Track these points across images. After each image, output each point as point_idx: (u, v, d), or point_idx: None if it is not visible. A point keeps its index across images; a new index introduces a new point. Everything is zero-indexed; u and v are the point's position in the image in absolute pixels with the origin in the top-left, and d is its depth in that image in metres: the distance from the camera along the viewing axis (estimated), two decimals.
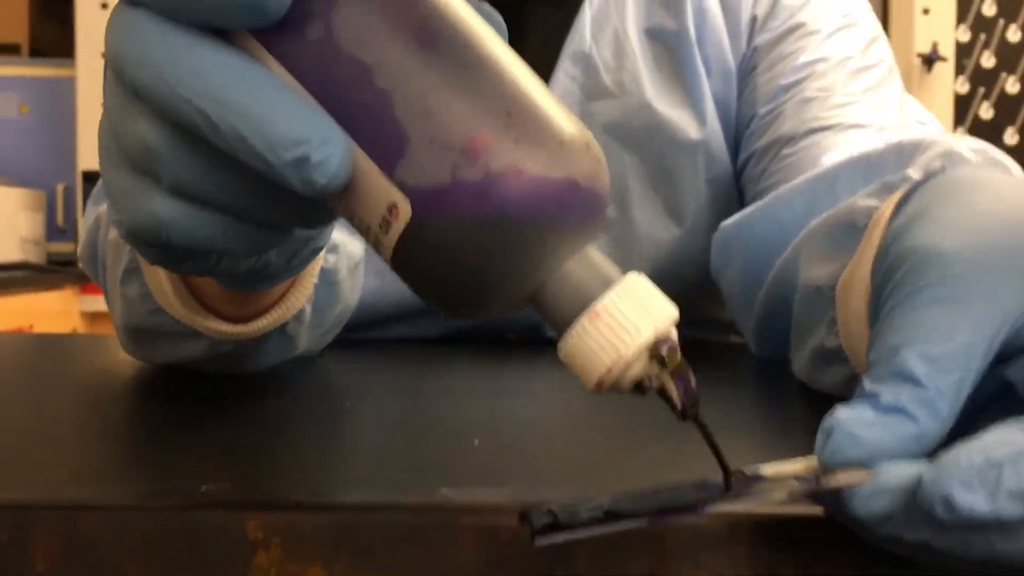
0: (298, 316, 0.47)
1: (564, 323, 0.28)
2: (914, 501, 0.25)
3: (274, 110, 0.27)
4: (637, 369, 0.28)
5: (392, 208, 0.27)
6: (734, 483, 0.28)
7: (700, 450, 0.29)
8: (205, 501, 0.31)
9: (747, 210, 0.61)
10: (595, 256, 0.29)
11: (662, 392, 0.28)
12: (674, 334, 0.28)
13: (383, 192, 0.27)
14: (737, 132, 0.73)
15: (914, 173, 0.42)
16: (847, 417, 0.27)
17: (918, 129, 0.65)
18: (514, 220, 0.27)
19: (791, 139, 0.67)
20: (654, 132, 0.71)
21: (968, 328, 0.28)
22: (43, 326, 1.98)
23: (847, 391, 0.44)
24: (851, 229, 0.43)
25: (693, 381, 0.28)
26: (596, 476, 0.35)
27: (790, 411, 0.48)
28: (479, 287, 0.28)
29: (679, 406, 0.28)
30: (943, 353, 0.27)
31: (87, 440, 0.39)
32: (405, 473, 0.35)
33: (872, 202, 0.43)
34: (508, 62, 0.29)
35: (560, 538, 0.26)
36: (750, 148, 0.71)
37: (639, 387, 0.28)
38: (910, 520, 0.25)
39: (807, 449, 0.43)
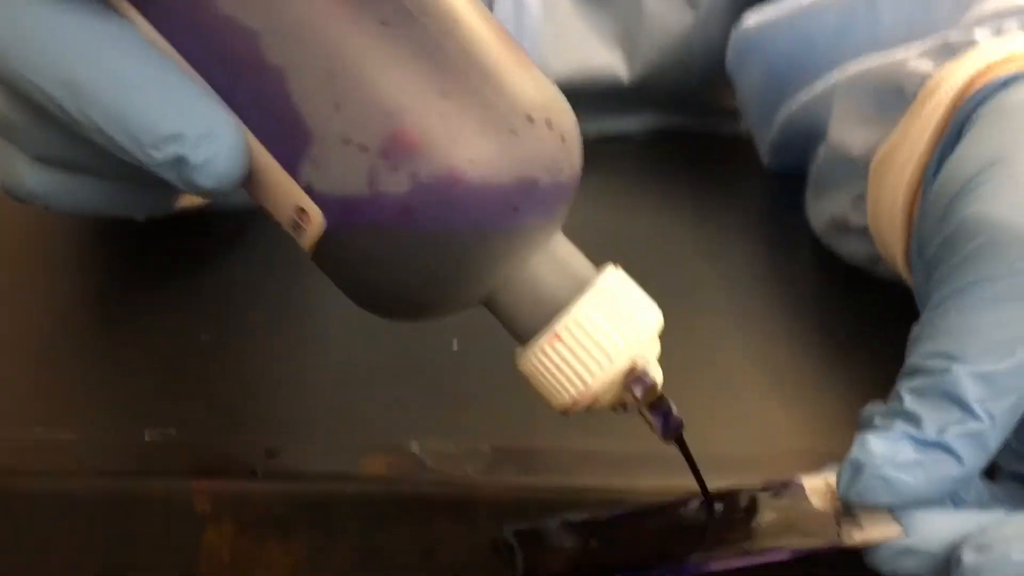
0: None
1: (525, 336, 0.23)
2: (945, 567, 0.22)
3: (139, 97, 0.21)
4: (608, 399, 0.23)
5: (301, 213, 0.22)
6: (734, 515, 0.24)
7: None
8: (146, 467, 0.28)
9: (770, 12, 0.53)
10: (563, 251, 0.23)
11: (641, 413, 0.24)
12: (652, 362, 0.23)
13: (289, 194, 0.22)
14: None
15: (980, 35, 0.36)
16: (881, 454, 0.23)
17: None
18: (452, 237, 0.21)
19: None
20: None
21: None
22: None
23: (868, 266, 0.40)
24: (897, 94, 0.37)
25: (674, 410, 0.24)
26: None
27: (800, 275, 0.43)
28: (413, 303, 0.23)
29: (660, 434, 0.24)
30: (1003, 370, 0.23)
31: (14, 357, 0.35)
32: (373, 411, 0.31)
33: (925, 65, 0.36)
34: (439, 7, 0.21)
35: None
36: None
37: (614, 409, 0.24)
38: None
39: (818, 326, 0.39)
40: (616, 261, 0.24)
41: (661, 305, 0.24)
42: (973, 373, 0.23)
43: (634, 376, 0.23)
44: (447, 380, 0.33)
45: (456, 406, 0.31)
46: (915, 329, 0.25)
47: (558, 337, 0.22)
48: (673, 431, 0.24)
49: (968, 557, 0.22)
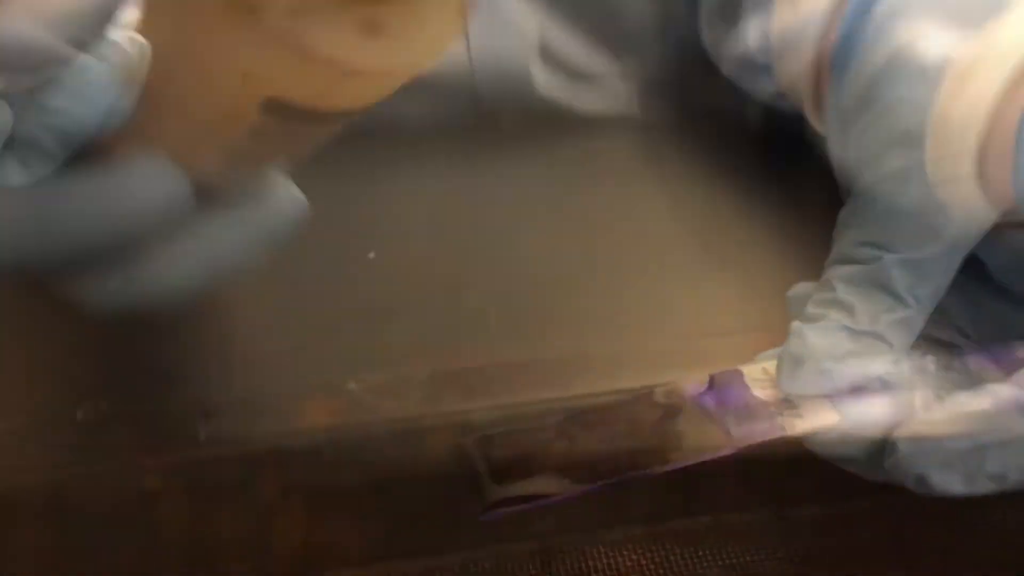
0: None
1: None
2: (879, 449, 0.23)
3: None
4: None
5: None
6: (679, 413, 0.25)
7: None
8: (86, 449, 0.27)
9: None
10: None
11: None
12: None
13: None
14: None
15: None
16: (818, 346, 0.24)
17: None
18: None
19: None
20: None
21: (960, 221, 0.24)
22: None
23: (772, 102, 0.39)
24: None
25: None
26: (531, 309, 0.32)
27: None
28: None
29: None
30: (928, 256, 0.24)
31: None
32: (303, 349, 0.30)
33: None
34: None
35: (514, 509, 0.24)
36: None
37: None
38: (873, 465, 0.24)
39: None
40: None
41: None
42: (901, 261, 0.24)
43: None
44: (368, 295, 0.32)
45: (382, 327, 0.31)
46: (844, 214, 0.25)
47: None
48: None
49: (903, 445, 0.23)
